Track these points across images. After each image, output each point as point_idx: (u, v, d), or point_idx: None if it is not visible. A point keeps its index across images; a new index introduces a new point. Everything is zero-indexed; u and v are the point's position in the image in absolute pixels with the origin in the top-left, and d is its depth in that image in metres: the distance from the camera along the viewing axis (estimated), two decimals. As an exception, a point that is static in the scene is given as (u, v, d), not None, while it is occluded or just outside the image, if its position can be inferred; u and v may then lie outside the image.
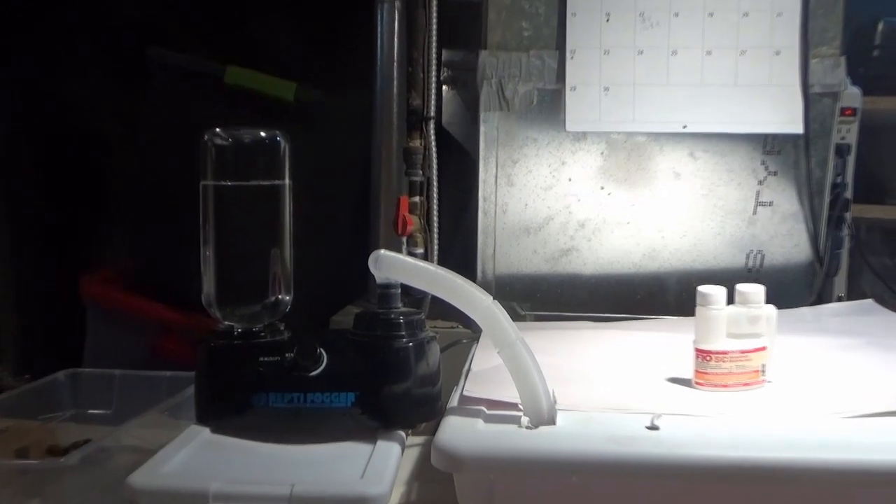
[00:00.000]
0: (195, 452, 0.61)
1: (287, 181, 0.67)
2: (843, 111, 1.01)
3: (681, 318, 0.92)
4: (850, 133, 1.04)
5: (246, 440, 0.63)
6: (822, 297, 1.01)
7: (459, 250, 1.11)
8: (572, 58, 0.97)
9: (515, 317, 1.00)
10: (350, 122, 1.22)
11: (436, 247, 1.03)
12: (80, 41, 1.58)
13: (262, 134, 0.66)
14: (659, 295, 1.01)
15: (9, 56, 1.56)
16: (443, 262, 1.04)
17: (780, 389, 0.66)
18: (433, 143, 1.01)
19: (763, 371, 0.66)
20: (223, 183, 0.65)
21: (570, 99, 0.98)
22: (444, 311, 1.01)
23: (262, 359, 0.63)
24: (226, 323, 0.66)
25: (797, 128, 0.96)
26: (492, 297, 0.60)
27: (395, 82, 1.02)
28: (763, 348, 0.66)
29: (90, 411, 0.84)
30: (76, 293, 1.36)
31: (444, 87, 1.11)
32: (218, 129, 0.65)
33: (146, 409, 0.73)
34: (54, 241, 1.66)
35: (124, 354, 1.29)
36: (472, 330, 0.97)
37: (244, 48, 1.28)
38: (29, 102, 1.62)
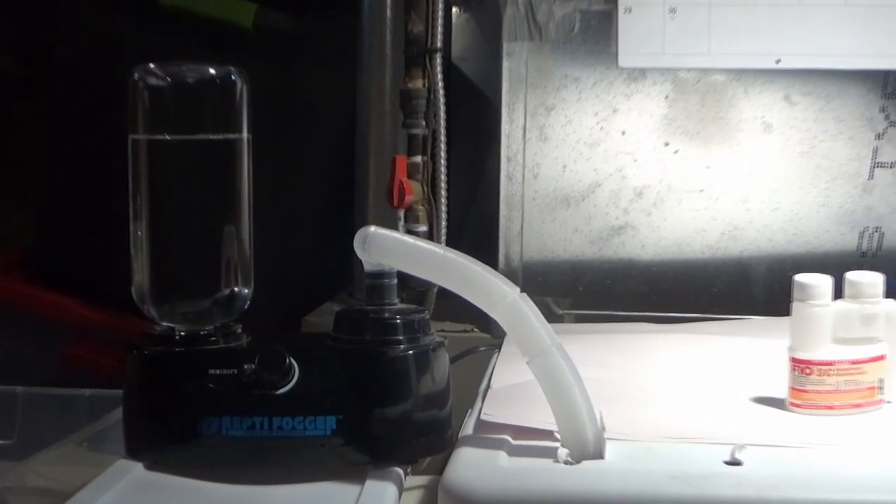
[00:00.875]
0: (125, 495, 0.61)
1: (245, 135, 0.67)
2: None
3: (771, 318, 0.92)
4: None
5: (191, 479, 0.63)
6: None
7: (475, 228, 1.11)
8: (627, -32, 0.97)
9: (551, 316, 0.99)
10: (328, 57, 1.22)
11: (444, 223, 1.02)
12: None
13: (212, 71, 0.66)
14: (742, 287, 1.01)
15: None
16: (455, 243, 1.04)
17: (903, 413, 0.66)
18: (440, 84, 1.00)
19: (881, 388, 0.66)
20: (159, 137, 0.65)
21: (625, 24, 0.97)
22: (455, 309, 1.01)
23: (212, 371, 0.64)
24: (164, 324, 0.67)
25: (929, 62, 0.96)
26: (519, 290, 0.60)
27: (389, 2, 1.01)
28: (881, 357, 0.66)
29: (-15, 441, 0.85)
30: (-35, 285, 1.37)
31: (455, 10, 1.10)
32: (152, 65, 0.65)
33: (59, 439, 0.73)
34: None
35: (29, 366, 1.30)
36: (493, 335, 0.97)
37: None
38: None
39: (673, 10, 0.97)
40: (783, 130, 1.00)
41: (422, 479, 0.82)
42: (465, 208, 1.11)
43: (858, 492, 0.53)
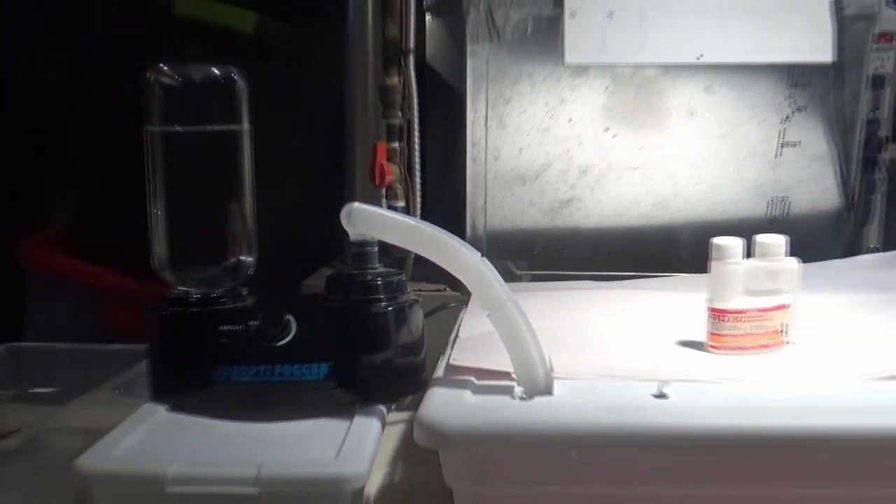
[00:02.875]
0: (151, 432, 0.61)
1: (245, 126, 0.66)
2: (879, 37, 0.99)
3: (695, 275, 0.92)
4: (887, 62, 1.03)
5: (207, 418, 0.63)
6: (852, 249, 1.01)
7: (448, 203, 1.10)
8: (572, -22, 0.96)
9: (510, 277, 1.00)
10: (320, 59, 1.20)
11: (418, 199, 1.02)
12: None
13: (216, 71, 0.65)
14: (671, 250, 1.01)
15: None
16: (429, 216, 1.03)
17: (803, 351, 0.66)
18: (413, 81, 0.99)
19: (784, 331, 0.66)
20: (171, 128, 0.64)
21: (570, 27, 0.96)
22: (430, 272, 1.01)
23: (222, 327, 0.64)
24: (181, 288, 0.66)
25: (826, 56, 0.95)
26: (480, 255, 0.59)
27: (370, 9, 1.00)
28: (784, 306, 0.66)
29: (33, 390, 0.84)
30: (15, 257, 1.35)
31: (428, 16, 1.08)
32: (163, 66, 0.64)
33: (95, 387, 0.73)
34: (-11, 200, 1.65)
35: (70, 326, 1.29)
36: (462, 293, 0.97)
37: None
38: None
39: (611, 14, 0.96)
40: (705, 116, 0.99)
41: (402, 415, 0.82)
42: (438, 186, 1.11)
43: (764, 418, 0.53)
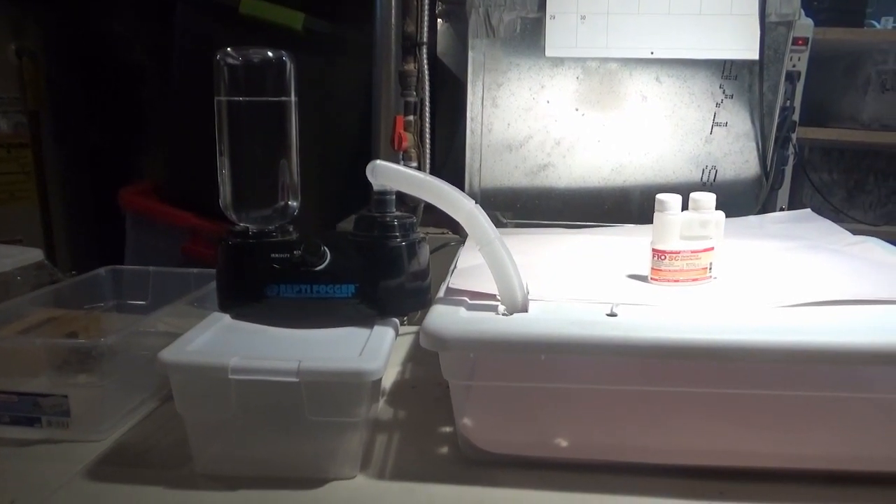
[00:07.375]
0: (217, 334, 0.61)
1: (293, 98, 0.64)
2: (795, 41, 0.96)
3: (642, 225, 0.91)
4: (800, 61, 1.00)
5: (260, 325, 0.63)
6: (766, 208, 0.99)
7: (451, 166, 1.09)
8: (553, -12, 0.93)
9: (498, 224, 0.98)
10: (353, 50, 1.17)
11: (428, 160, 1.00)
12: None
13: (270, 54, 0.63)
14: (624, 205, 1.00)
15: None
16: (436, 175, 1.01)
17: (724, 284, 0.66)
18: (425, 67, 0.97)
19: (710, 268, 0.66)
20: (234, 98, 0.62)
21: (550, 26, 0.93)
22: (436, 219, 1.00)
23: (273, 255, 0.63)
24: (241, 224, 0.65)
25: (753, 54, 0.93)
26: (474, 202, 0.58)
27: (393, 11, 0.97)
28: (711, 249, 0.65)
29: (129, 302, 0.84)
30: (117, 203, 1.35)
31: (440, 21, 1.06)
32: (229, 49, 0.62)
33: (176, 300, 0.72)
34: (98, 159, 1.64)
35: (159, 256, 1.29)
36: (460, 235, 0.96)
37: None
38: (74, 39, 1.57)
39: (583, 17, 0.93)
40: (654, 101, 0.97)
41: (411, 329, 0.82)
42: (444, 152, 1.09)
43: (689, 333, 0.52)
